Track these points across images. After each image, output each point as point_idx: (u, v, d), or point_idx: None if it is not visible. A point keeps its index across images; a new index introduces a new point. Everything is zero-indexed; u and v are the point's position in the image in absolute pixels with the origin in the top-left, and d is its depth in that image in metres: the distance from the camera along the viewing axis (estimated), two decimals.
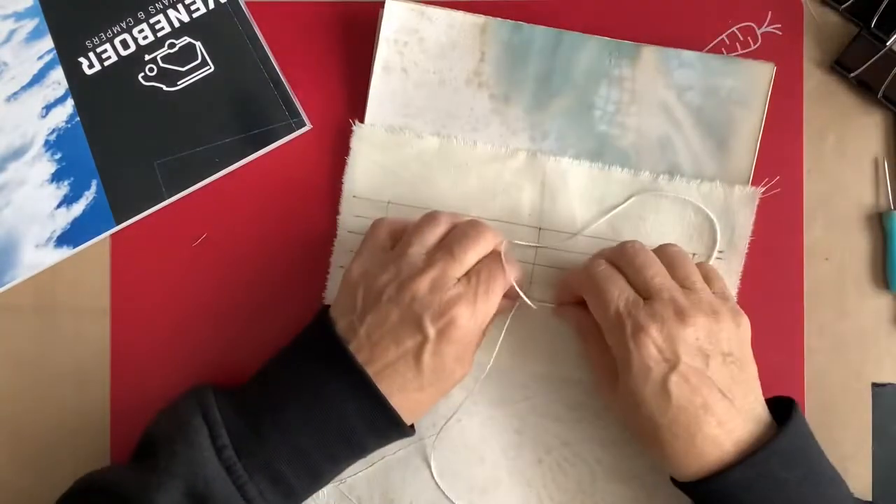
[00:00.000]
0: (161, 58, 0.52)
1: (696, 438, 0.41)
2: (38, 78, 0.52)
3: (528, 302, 0.46)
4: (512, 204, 0.50)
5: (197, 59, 0.52)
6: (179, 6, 0.52)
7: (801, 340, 0.50)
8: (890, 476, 0.50)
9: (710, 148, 0.51)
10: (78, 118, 0.52)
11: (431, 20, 0.51)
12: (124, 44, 0.52)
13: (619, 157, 0.51)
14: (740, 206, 0.50)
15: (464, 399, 0.49)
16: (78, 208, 0.51)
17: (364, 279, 0.44)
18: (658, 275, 0.43)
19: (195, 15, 0.52)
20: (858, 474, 0.50)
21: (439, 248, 0.44)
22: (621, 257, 0.44)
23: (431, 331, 0.42)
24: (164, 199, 0.51)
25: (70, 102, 0.52)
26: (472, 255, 0.44)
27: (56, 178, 0.51)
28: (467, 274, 0.43)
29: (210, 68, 0.52)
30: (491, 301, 0.43)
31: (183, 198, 0.52)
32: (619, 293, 0.43)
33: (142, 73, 0.52)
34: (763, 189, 0.50)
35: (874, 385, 0.50)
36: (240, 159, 0.51)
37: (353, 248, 0.47)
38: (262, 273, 0.51)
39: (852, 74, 0.51)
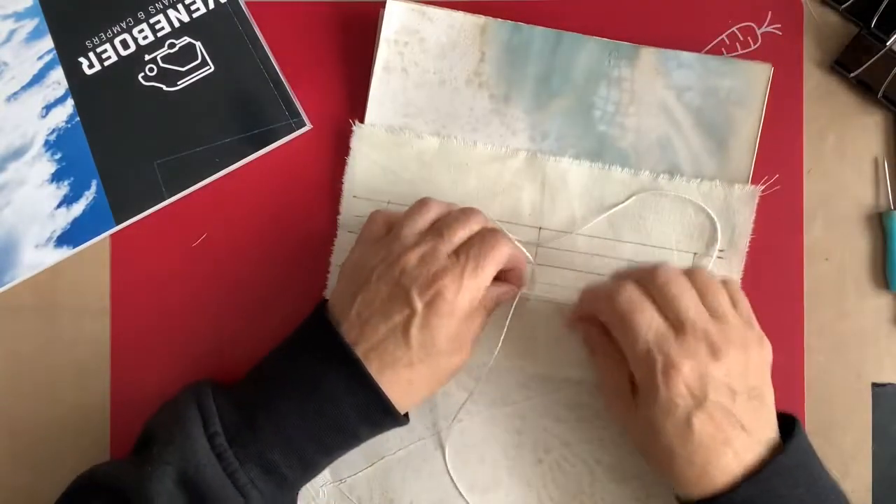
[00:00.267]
0: (161, 58, 0.52)
1: (709, 467, 0.41)
2: (38, 78, 0.52)
3: (525, 289, 0.46)
4: (512, 204, 0.51)
5: (197, 59, 0.52)
6: (179, 6, 0.52)
7: (801, 340, 0.50)
8: (890, 476, 0.50)
9: (710, 148, 0.51)
10: (78, 118, 0.52)
11: (432, 20, 0.51)
12: (124, 44, 0.52)
13: (619, 157, 0.51)
14: (740, 204, 0.50)
15: (465, 400, 0.49)
16: (78, 208, 0.51)
17: (357, 265, 0.45)
18: (692, 307, 0.42)
19: (195, 15, 0.52)
20: (858, 474, 0.50)
21: (430, 231, 0.44)
22: (652, 283, 0.43)
23: (419, 304, 0.42)
24: (164, 199, 0.51)
25: (70, 102, 0.52)
26: (461, 233, 0.44)
27: (56, 178, 0.51)
28: (457, 251, 0.43)
29: (210, 68, 0.52)
30: (480, 277, 0.43)
31: (183, 198, 0.52)
32: (649, 326, 0.41)
33: (142, 73, 0.52)
34: (763, 187, 0.50)
35: (874, 385, 0.50)
36: (240, 159, 0.51)
37: None
38: (262, 273, 0.51)
39: (852, 74, 0.51)
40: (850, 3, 0.51)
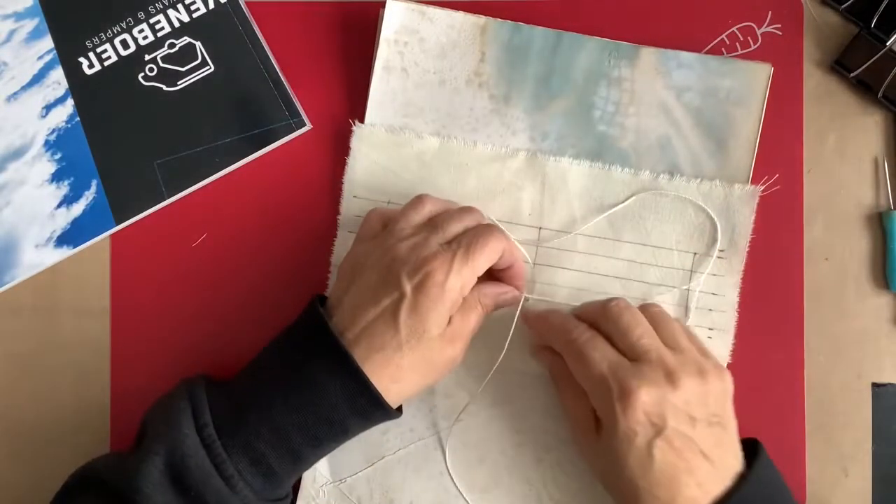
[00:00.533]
0: (161, 58, 0.52)
1: (675, 500, 0.40)
2: (38, 78, 0.52)
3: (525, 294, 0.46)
4: (512, 204, 0.51)
5: (197, 59, 0.52)
6: (179, 6, 0.52)
7: (801, 340, 0.50)
8: (890, 476, 0.50)
9: (710, 148, 0.51)
10: (78, 118, 0.52)
11: (432, 20, 0.51)
12: (124, 44, 0.52)
13: (619, 157, 0.51)
14: (741, 204, 0.50)
15: (466, 405, 0.49)
16: (78, 208, 0.51)
17: (353, 261, 0.45)
18: (645, 335, 0.42)
19: (195, 15, 0.52)
20: (858, 474, 0.50)
21: (425, 225, 0.45)
22: (603, 318, 0.43)
23: (407, 286, 0.41)
24: (164, 199, 0.51)
25: (70, 102, 0.52)
26: (456, 228, 0.44)
27: (56, 178, 0.51)
28: (449, 242, 0.43)
29: (210, 68, 0.52)
30: (471, 263, 0.42)
31: (183, 198, 0.52)
32: (602, 356, 0.42)
33: (142, 73, 0.52)
34: (763, 187, 0.50)
35: (874, 385, 0.50)
36: (240, 159, 0.51)
37: None
38: (261, 273, 0.51)
39: (852, 74, 0.51)
40: (850, 3, 0.51)
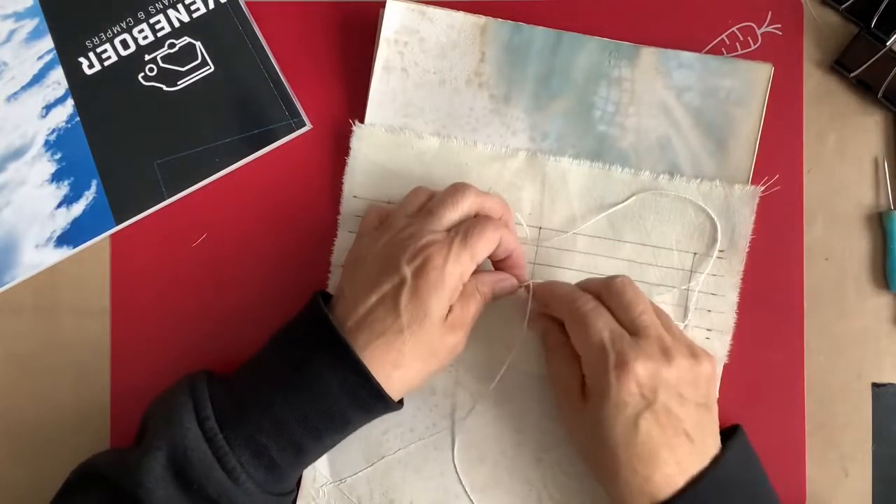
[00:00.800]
0: (161, 58, 0.52)
1: (653, 477, 0.41)
2: (38, 78, 0.52)
3: (525, 285, 0.46)
4: (512, 204, 0.50)
5: (197, 59, 0.52)
6: (179, 6, 0.52)
7: (801, 340, 0.50)
8: (890, 476, 0.50)
9: (710, 148, 0.51)
10: (78, 118, 0.52)
11: (432, 20, 0.51)
12: (124, 44, 0.52)
13: (619, 158, 0.51)
14: (741, 204, 0.50)
15: (473, 406, 0.49)
16: (78, 208, 0.51)
17: (353, 256, 0.45)
18: (646, 312, 0.43)
19: (195, 15, 0.52)
20: (858, 474, 0.50)
21: (420, 212, 0.45)
22: (607, 291, 0.44)
23: (407, 271, 0.42)
24: (164, 199, 0.51)
25: (70, 102, 0.52)
26: (451, 212, 0.44)
27: (56, 178, 0.51)
28: (447, 229, 0.44)
29: (210, 68, 0.52)
30: (469, 248, 0.43)
31: (183, 198, 0.52)
32: (605, 325, 0.42)
33: (142, 73, 0.52)
34: (763, 188, 0.50)
35: (874, 385, 0.50)
36: (240, 159, 0.51)
37: None
38: (261, 273, 0.51)
39: (852, 74, 0.51)
40: (850, 3, 0.51)
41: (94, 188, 0.51)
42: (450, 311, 0.43)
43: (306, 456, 0.43)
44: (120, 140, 0.51)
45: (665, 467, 0.41)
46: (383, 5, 0.51)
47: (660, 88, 0.51)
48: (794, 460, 0.50)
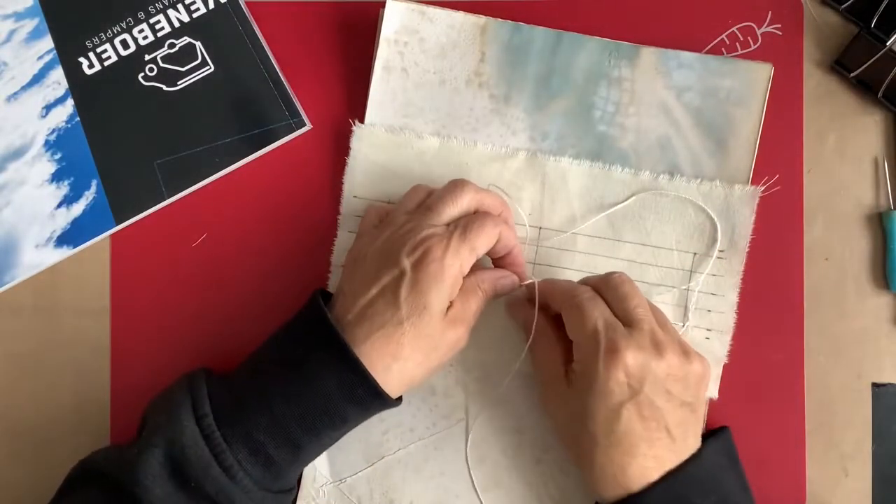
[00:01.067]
0: (161, 58, 0.52)
1: (629, 468, 0.41)
2: (38, 78, 0.52)
3: (525, 283, 0.46)
4: (512, 204, 0.50)
5: (197, 59, 0.52)
6: (179, 6, 0.52)
7: (801, 340, 0.50)
8: (890, 476, 0.50)
9: (710, 148, 0.51)
10: (78, 118, 0.52)
11: (432, 20, 0.51)
12: (124, 44, 0.52)
13: (619, 158, 0.51)
14: (741, 204, 0.50)
15: (476, 409, 0.49)
16: (78, 208, 0.51)
17: (353, 255, 0.46)
18: (641, 306, 0.43)
19: (195, 15, 0.52)
20: (858, 474, 0.50)
21: (419, 208, 0.45)
22: (604, 285, 0.44)
23: (406, 263, 0.42)
24: (164, 199, 0.51)
25: (70, 102, 0.52)
26: (451, 208, 0.44)
27: (56, 178, 0.51)
28: (447, 224, 0.44)
29: (210, 68, 0.52)
30: (468, 245, 0.43)
31: (183, 198, 0.52)
32: (599, 313, 0.43)
33: (142, 73, 0.52)
34: (763, 188, 0.50)
35: (874, 385, 0.50)
36: (240, 159, 0.51)
37: None
38: (261, 273, 0.51)
39: (852, 74, 0.51)
40: (850, 3, 0.51)
41: (94, 188, 0.51)
42: (450, 306, 0.43)
43: (304, 453, 0.43)
44: (120, 140, 0.51)
45: (642, 459, 0.41)
46: (383, 5, 0.51)
47: (660, 88, 0.51)
48: (794, 460, 0.50)
